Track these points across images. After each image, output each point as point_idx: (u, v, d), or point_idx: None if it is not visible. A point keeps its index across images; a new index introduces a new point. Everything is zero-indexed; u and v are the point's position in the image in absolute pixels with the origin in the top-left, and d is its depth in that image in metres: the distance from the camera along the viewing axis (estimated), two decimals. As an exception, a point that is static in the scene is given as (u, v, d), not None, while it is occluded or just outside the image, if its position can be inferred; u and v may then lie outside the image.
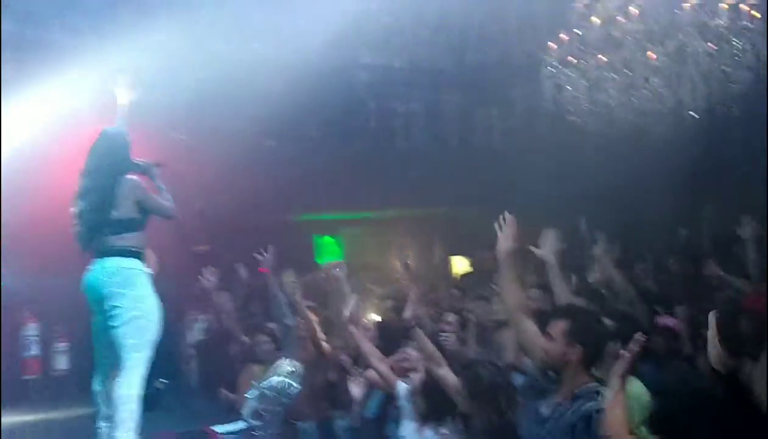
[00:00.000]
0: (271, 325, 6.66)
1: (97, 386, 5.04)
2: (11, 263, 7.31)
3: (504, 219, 3.87)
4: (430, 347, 4.31)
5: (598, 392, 3.35)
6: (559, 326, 3.47)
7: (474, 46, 9.41)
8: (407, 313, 4.35)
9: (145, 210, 4.97)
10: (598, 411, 3.24)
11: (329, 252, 12.04)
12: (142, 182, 5.06)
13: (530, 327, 3.68)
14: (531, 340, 3.66)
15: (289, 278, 6.45)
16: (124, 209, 4.89)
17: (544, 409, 3.49)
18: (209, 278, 7.37)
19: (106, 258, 4.84)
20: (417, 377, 4.73)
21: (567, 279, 4.93)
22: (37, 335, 7.98)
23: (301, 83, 8.55)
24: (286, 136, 9.71)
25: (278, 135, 9.62)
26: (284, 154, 9.75)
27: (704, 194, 8.61)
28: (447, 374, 4.29)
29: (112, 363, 4.86)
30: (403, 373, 4.96)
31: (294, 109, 9.15)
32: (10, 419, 6.51)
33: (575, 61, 5.97)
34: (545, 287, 4.90)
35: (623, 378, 3.18)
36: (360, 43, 9.41)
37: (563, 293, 4.40)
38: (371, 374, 5.22)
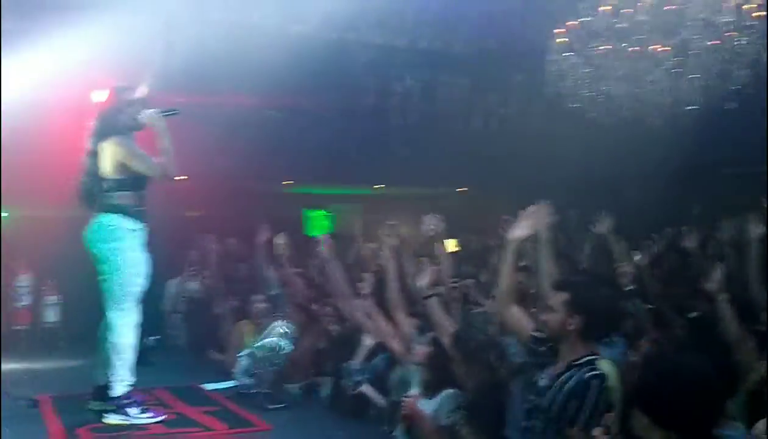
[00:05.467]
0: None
1: (99, 334, 5.14)
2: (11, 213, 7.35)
3: (529, 208, 3.74)
4: (443, 317, 4.33)
5: (595, 363, 3.38)
6: (559, 297, 3.51)
7: (475, 29, 9.46)
8: (422, 282, 4.38)
9: (132, 171, 4.96)
10: (596, 377, 3.27)
11: (318, 226, 12.11)
12: (127, 143, 4.98)
13: (516, 310, 3.76)
14: (517, 322, 3.76)
15: (280, 240, 6.46)
16: (111, 170, 4.96)
17: (542, 380, 3.52)
18: (207, 245, 7.61)
19: (99, 215, 4.99)
20: (422, 348, 4.78)
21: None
22: (28, 286, 8.01)
23: (300, 57, 8.57)
24: (284, 108, 9.73)
25: (276, 106, 9.64)
26: (280, 125, 9.78)
27: (693, 191, 8.70)
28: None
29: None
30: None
31: (292, 81, 9.18)
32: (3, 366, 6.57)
33: (580, 48, 6.07)
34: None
35: None
36: (360, 21, 9.43)
37: (551, 269, 4.28)
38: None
